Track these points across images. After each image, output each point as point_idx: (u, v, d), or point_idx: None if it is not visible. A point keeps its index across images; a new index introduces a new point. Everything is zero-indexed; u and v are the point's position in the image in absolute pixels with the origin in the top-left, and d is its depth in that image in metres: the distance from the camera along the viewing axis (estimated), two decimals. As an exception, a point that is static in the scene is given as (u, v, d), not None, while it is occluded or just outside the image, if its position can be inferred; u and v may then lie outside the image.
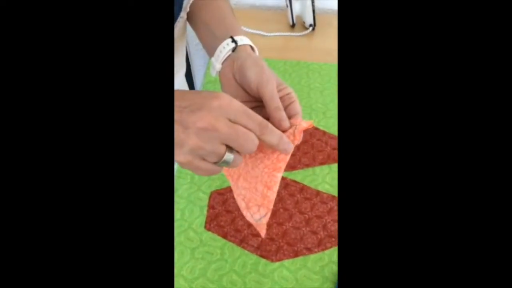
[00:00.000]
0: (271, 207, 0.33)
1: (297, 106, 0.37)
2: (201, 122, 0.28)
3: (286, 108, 0.36)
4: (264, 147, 0.33)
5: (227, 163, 0.30)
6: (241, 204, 0.35)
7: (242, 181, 0.35)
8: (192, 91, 0.31)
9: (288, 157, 0.32)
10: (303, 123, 0.33)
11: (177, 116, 0.28)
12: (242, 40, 0.41)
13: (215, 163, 0.30)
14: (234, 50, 0.40)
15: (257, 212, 0.34)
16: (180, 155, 0.28)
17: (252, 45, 0.42)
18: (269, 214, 0.33)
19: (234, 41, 0.40)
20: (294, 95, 0.38)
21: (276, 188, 0.32)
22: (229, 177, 0.36)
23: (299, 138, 0.32)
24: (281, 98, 0.37)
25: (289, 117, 0.35)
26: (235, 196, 0.36)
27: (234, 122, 0.29)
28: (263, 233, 0.34)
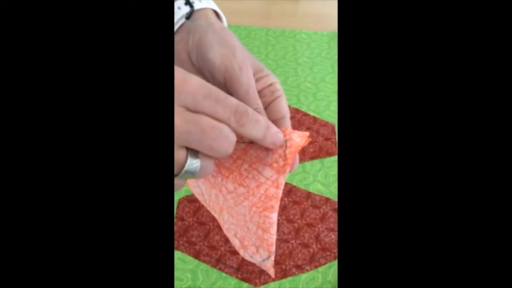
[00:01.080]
0: (273, 249, 0.24)
1: (284, 105, 0.25)
2: None
3: (267, 107, 0.25)
4: (243, 177, 0.23)
5: (192, 173, 0.20)
6: (235, 242, 0.26)
7: (227, 216, 0.26)
8: None
9: (280, 193, 0.22)
10: (295, 137, 0.22)
11: None
12: (201, 1, 0.28)
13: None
14: (189, 17, 0.28)
15: (256, 253, 0.25)
16: None
17: (217, 9, 0.29)
18: (272, 257, 0.25)
19: (188, 2, 0.28)
20: (278, 86, 0.26)
21: (273, 229, 0.23)
22: (210, 209, 0.27)
23: (292, 162, 0.22)
24: (260, 92, 0.25)
25: (272, 122, 0.24)
26: (224, 231, 0.27)
27: (195, 111, 0.19)
28: (272, 272, 0.26)
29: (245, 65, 0.25)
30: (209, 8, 0.29)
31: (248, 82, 0.24)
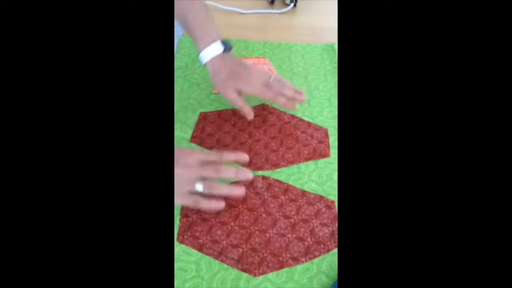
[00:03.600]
0: None
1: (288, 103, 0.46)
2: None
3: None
4: None
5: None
6: None
7: None
8: None
9: None
10: None
11: None
12: (205, 57, 0.48)
13: None
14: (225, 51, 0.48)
15: None
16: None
17: (215, 52, 0.47)
18: None
19: (224, 43, 0.48)
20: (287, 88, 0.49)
21: None
22: None
23: None
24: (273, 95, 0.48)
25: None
26: None
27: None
28: None
29: (226, 88, 0.46)
30: (208, 61, 0.49)
31: (231, 98, 0.47)
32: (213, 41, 0.47)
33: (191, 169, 0.39)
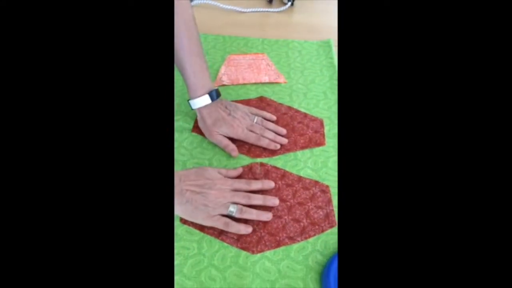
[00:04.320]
0: None
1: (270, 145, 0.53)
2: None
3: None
4: None
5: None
6: None
7: None
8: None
9: None
10: None
11: None
12: (194, 105, 0.52)
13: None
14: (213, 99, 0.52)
15: None
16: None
17: (205, 101, 0.52)
18: None
19: (210, 93, 0.52)
20: (268, 127, 0.54)
21: None
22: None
23: None
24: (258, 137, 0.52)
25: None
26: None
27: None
28: None
29: (212, 133, 0.52)
30: (197, 109, 0.53)
31: (217, 141, 0.53)
32: (203, 94, 0.51)
33: (225, 195, 0.44)
